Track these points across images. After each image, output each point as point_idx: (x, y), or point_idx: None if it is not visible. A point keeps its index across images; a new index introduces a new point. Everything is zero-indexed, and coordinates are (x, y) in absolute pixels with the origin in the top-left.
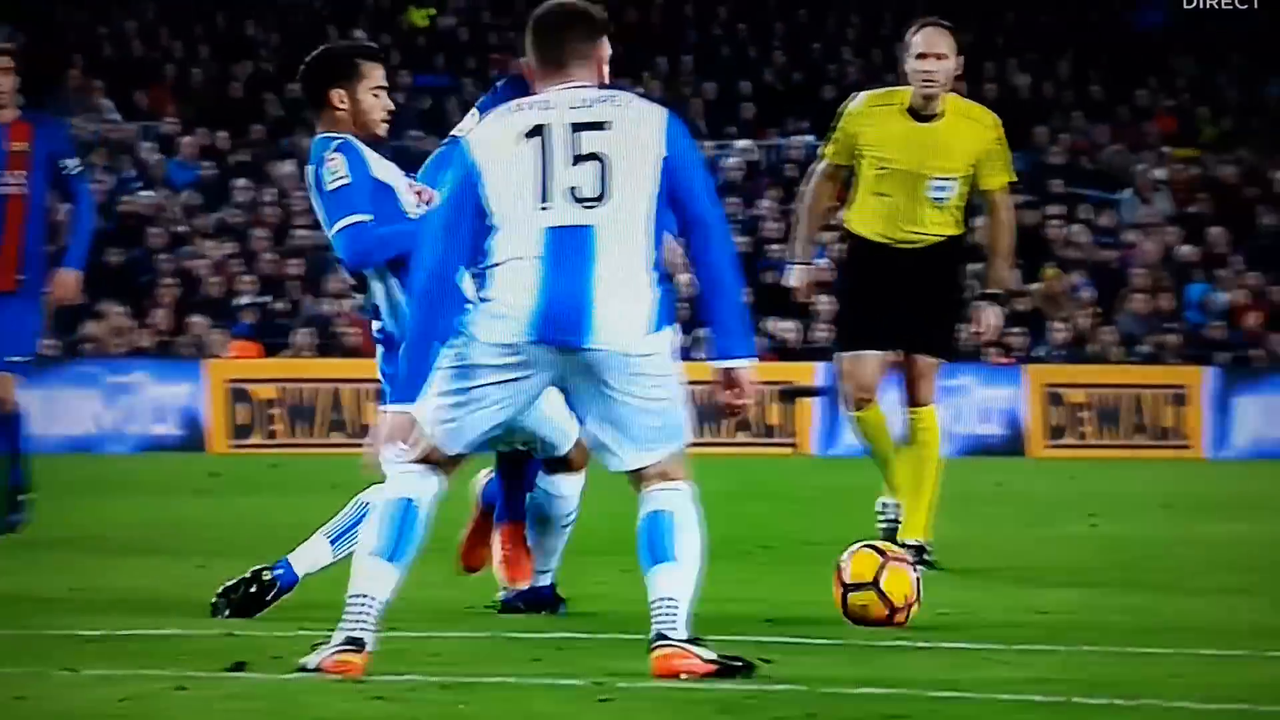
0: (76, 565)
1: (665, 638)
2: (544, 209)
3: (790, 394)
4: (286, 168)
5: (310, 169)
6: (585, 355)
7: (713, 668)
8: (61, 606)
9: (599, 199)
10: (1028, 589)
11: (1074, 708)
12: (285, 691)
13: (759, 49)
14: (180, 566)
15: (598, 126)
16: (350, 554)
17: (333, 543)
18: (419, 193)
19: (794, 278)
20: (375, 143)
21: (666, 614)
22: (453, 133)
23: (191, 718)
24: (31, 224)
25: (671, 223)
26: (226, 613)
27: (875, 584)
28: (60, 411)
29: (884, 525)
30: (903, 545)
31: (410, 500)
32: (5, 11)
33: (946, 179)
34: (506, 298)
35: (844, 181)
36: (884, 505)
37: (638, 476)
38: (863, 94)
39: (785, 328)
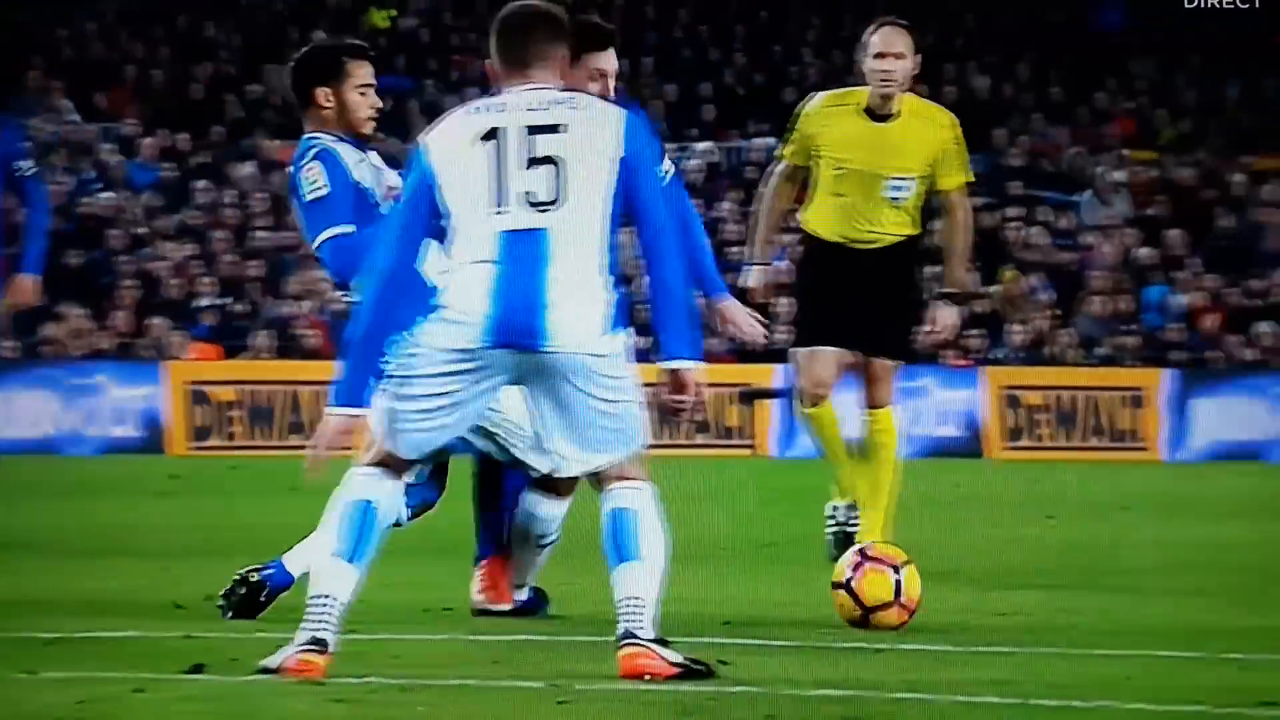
0: (35, 567)
1: (633, 636)
2: (499, 213)
3: (749, 396)
4: (247, 169)
5: (290, 171)
6: (541, 358)
7: (676, 671)
8: (20, 608)
9: (553, 202)
10: (986, 591)
11: (1032, 709)
12: (244, 693)
13: (720, 51)
14: (140, 568)
15: (553, 129)
16: None
17: None
18: (391, 188)
19: (752, 279)
20: (367, 140)
21: (634, 612)
22: None
23: None
24: None
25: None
26: (229, 615)
27: (897, 600)
28: (19, 413)
29: (832, 530)
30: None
31: (369, 502)
32: None
33: (903, 179)
34: (460, 303)
35: (802, 182)
36: (834, 509)
37: (596, 477)
38: (819, 94)
39: None
